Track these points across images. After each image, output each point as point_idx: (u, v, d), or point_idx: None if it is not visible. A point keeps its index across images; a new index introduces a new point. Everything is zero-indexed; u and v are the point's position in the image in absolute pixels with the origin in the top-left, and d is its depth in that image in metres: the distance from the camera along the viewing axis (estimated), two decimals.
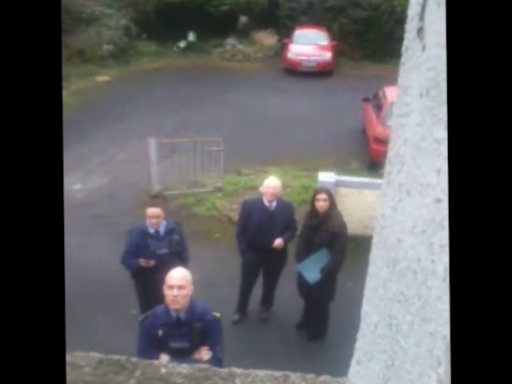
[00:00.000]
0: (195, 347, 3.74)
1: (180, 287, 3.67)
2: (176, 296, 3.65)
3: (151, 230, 5.14)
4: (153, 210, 5.14)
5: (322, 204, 5.31)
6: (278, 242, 5.61)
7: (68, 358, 1.55)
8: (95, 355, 1.58)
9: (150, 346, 3.65)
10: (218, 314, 3.86)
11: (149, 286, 4.84)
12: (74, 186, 9.45)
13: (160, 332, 3.70)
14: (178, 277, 3.72)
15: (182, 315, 3.75)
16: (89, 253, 7.24)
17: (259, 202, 5.75)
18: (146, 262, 5.00)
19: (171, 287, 3.68)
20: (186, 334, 3.72)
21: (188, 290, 3.73)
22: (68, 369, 1.51)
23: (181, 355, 3.50)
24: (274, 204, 5.67)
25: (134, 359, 1.58)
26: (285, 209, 5.80)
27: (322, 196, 5.33)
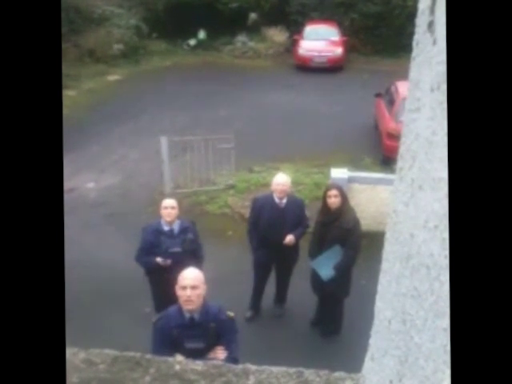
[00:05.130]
0: (210, 347, 3.72)
1: (193, 287, 3.65)
2: (190, 296, 3.63)
3: (165, 228, 5.16)
4: (168, 201, 5.20)
5: (333, 200, 5.29)
6: (289, 238, 5.61)
7: (83, 354, 1.56)
8: (110, 352, 1.59)
9: (165, 347, 3.60)
10: (231, 314, 3.84)
11: (162, 284, 4.86)
12: (87, 184, 9.53)
13: (174, 333, 3.68)
14: (190, 277, 3.70)
15: (196, 315, 3.73)
16: (102, 251, 7.29)
17: (269, 198, 5.75)
18: (163, 260, 5.01)
19: (184, 287, 3.65)
20: (201, 334, 3.69)
21: (201, 290, 3.71)
22: (83, 366, 1.52)
23: (196, 355, 3.46)
24: (285, 201, 5.67)
25: (148, 356, 1.59)
26: (295, 205, 5.79)
27: (333, 192, 5.32)
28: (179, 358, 3.54)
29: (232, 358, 3.58)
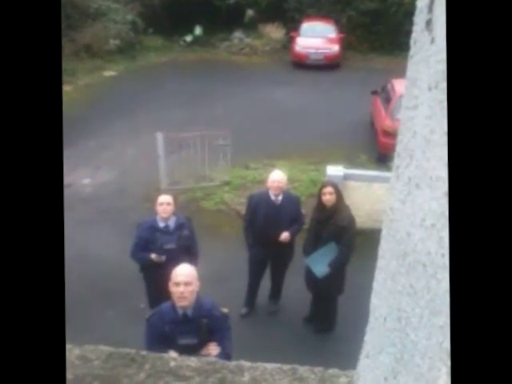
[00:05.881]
0: (203, 343, 3.73)
1: (186, 283, 3.66)
2: (183, 293, 3.64)
3: (161, 224, 5.15)
4: (164, 197, 5.19)
5: (328, 198, 5.30)
6: (285, 235, 5.61)
7: (78, 351, 1.56)
8: (105, 348, 1.59)
9: (158, 343, 3.62)
10: (225, 310, 3.85)
11: (157, 280, 4.86)
12: (83, 180, 9.50)
13: (167, 329, 3.69)
14: (183, 273, 3.71)
15: (189, 312, 3.74)
16: (97, 247, 7.28)
17: (265, 195, 5.75)
18: (157, 256, 5.01)
19: (177, 284, 3.66)
20: (194, 330, 3.70)
21: (194, 286, 3.72)
22: (78, 362, 1.52)
23: (189, 352, 3.47)
24: (280, 197, 5.68)
25: (143, 352, 1.59)
26: (291, 202, 5.80)
27: (329, 189, 5.32)
28: (173, 354, 3.55)
29: (225, 354, 3.59)
